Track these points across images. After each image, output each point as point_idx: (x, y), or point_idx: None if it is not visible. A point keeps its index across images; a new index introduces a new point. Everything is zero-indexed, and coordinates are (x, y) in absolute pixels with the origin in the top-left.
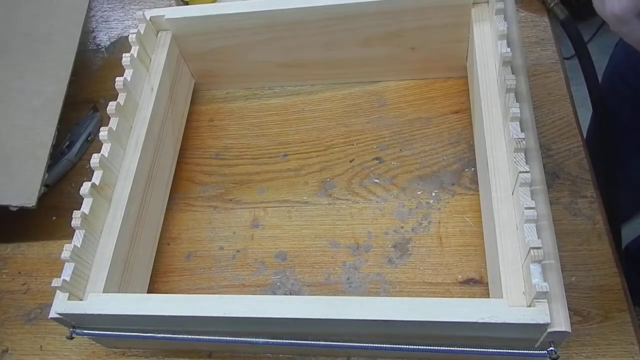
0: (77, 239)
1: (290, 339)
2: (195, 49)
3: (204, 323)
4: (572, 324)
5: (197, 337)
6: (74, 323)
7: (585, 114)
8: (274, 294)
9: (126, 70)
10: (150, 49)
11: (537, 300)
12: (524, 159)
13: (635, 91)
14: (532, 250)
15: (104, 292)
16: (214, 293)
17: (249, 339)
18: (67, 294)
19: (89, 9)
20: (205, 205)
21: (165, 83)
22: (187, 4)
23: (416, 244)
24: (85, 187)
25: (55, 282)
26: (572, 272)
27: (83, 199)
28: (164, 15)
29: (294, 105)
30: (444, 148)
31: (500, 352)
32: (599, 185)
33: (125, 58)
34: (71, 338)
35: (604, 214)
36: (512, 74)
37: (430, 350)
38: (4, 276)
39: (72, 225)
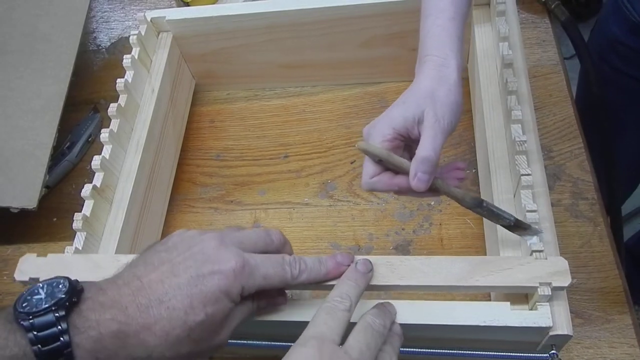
0: (79, 241)
1: (292, 342)
2: (196, 50)
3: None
4: (573, 326)
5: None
6: None
7: None
8: None
9: (127, 72)
10: (151, 50)
11: (539, 303)
12: (526, 162)
13: (618, 72)
14: (534, 253)
15: None
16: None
17: (250, 342)
18: None
19: (89, 9)
20: (206, 207)
21: (166, 84)
22: (188, 5)
23: (417, 246)
24: (87, 189)
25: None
26: (573, 274)
27: (84, 200)
28: (165, 17)
29: (295, 106)
30: (445, 149)
31: (501, 355)
32: (595, 170)
33: (126, 59)
34: None
35: (605, 216)
36: (514, 75)
37: (432, 354)
38: (5, 277)
39: (74, 228)
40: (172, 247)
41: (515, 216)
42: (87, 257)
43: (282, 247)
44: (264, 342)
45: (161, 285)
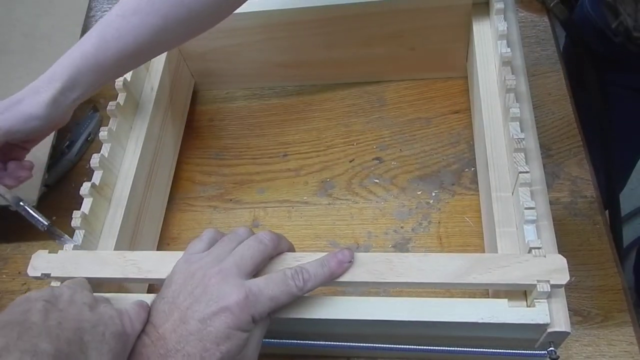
0: (77, 239)
1: (289, 339)
2: (195, 49)
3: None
4: (572, 324)
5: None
6: None
7: None
8: None
9: None
10: None
11: (537, 300)
12: (524, 159)
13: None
14: (532, 250)
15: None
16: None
17: None
18: None
19: (89, 9)
20: (205, 205)
21: (165, 83)
22: None
23: (416, 244)
24: (85, 187)
25: (55, 282)
26: (572, 272)
27: (83, 199)
28: None
29: (294, 105)
30: (444, 148)
31: (499, 352)
32: (593, 162)
33: None
34: None
35: (604, 214)
36: (512, 74)
37: (430, 351)
38: (4, 276)
39: (72, 225)
40: (177, 293)
41: (49, 223)
42: (95, 253)
43: (278, 246)
44: (266, 340)
45: (175, 334)
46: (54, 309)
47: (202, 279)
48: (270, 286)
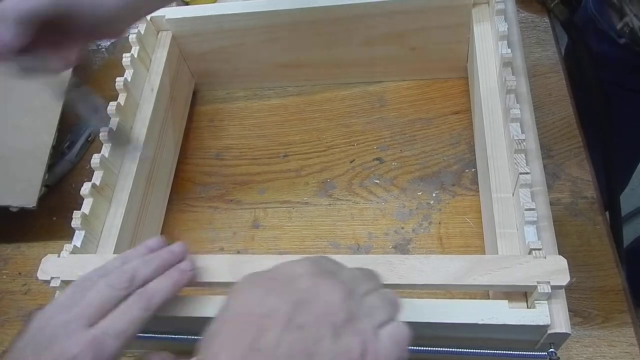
0: (77, 239)
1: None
2: (195, 49)
3: (205, 324)
4: (572, 325)
5: (198, 337)
6: None
7: None
8: None
9: (126, 71)
10: (151, 49)
11: (538, 301)
12: (525, 160)
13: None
14: (533, 251)
15: None
16: (215, 294)
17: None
18: None
19: None
20: (205, 206)
21: (166, 83)
22: (187, 4)
23: (417, 245)
24: (86, 188)
25: (54, 282)
26: (572, 273)
27: (83, 199)
28: (164, 16)
29: (295, 105)
30: (445, 149)
31: (499, 353)
32: (592, 162)
33: (126, 58)
34: None
35: (605, 215)
36: (513, 74)
37: (430, 352)
38: (4, 277)
39: (72, 226)
40: (27, 343)
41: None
42: (102, 257)
43: (132, 286)
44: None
45: None
46: None
47: (53, 330)
48: (114, 322)
